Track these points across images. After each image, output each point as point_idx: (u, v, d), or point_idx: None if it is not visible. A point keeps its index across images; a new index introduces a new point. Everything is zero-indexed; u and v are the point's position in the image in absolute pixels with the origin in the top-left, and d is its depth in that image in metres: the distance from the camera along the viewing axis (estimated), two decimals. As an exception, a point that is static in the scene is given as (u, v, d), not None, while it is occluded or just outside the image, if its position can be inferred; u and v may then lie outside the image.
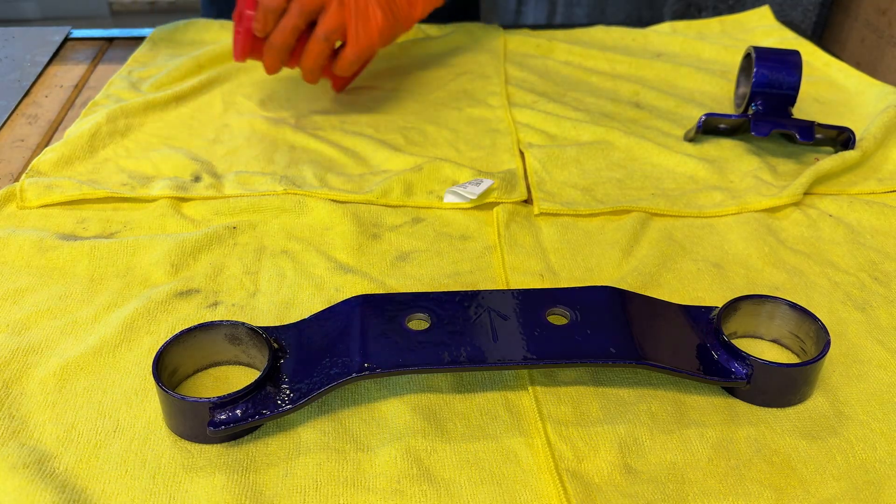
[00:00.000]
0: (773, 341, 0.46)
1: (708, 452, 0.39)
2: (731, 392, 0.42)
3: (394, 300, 0.43)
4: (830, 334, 0.44)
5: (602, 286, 0.45)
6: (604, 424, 0.40)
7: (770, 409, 0.41)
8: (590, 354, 0.40)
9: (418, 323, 0.42)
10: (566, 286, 0.46)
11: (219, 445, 0.38)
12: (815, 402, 0.42)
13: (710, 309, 0.45)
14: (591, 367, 0.43)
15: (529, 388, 0.42)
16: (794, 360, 0.44)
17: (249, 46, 0.65)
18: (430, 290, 0.45)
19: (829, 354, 0.44)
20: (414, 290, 0.49)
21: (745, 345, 0.45)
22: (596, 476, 0.37)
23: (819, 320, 0.42)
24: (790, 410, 0.41)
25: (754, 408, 0.41)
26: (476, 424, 0.40)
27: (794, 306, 0.44)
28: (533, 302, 0.43)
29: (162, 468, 0.37)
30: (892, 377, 0.43)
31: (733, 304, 0.44)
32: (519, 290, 0.44)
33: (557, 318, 0.42)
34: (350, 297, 0.44)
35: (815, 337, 0.43)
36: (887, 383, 0.43)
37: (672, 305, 0.45)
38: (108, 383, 0.42)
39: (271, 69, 0.66)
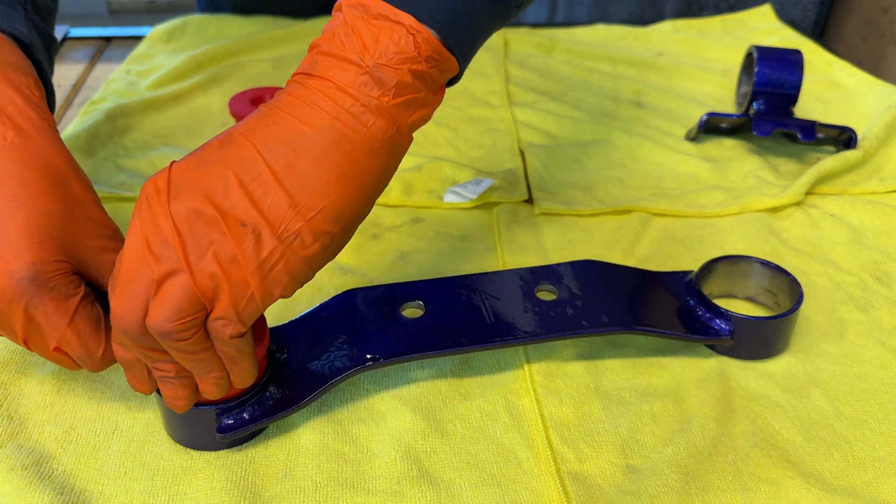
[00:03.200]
0: (748, 299, 0.48)
1: (708, 449, 0.39)
2: (714, 349, 0.44)
3: (386, 291, 0.43)
4: (832, 335, 0.44)
5: (584, 260, 0.46)
6: (605, 425, 0.40)
7: (772, 407, 0.41)
8: (584, 326, 0.41)
9: (413, 311, 0.42)
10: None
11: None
12: (817, 402, 0.42)
13: (686, 273, 0.47)
14: (586, 338, 0.44)
15: (530, 389, 0.42)
16: (770, 314, 0.46)
17: None
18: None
19: (831, 354, 0.44)
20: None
21: (721, 304, 0.45)
22: (598, 477, 0.37)
23: (790, 274, 0.45)
24: (793, 408, 0.41)
25: (755, 404, 0.41)
26: (476, 426, 0.40)
27: (766, 263, 0.46)
28: (521, 281, 0.44)
29: (161, 469, 0.37)
30: (893, 377, 0.43)
31: (709, 266, 0.46)
32: (506, 270, 0.45)
33: (547, 294, 0.44)
34: (342, 291, 0.44)
35: (787, 290, 0.45)
36: (888, 384, 0.43)
37: (650, 273, 0.47)
38: (107, 384, 0.42)
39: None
